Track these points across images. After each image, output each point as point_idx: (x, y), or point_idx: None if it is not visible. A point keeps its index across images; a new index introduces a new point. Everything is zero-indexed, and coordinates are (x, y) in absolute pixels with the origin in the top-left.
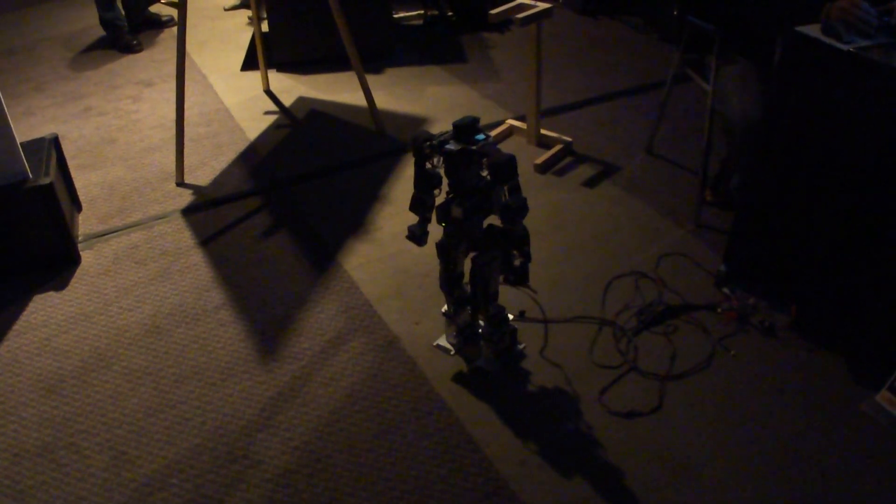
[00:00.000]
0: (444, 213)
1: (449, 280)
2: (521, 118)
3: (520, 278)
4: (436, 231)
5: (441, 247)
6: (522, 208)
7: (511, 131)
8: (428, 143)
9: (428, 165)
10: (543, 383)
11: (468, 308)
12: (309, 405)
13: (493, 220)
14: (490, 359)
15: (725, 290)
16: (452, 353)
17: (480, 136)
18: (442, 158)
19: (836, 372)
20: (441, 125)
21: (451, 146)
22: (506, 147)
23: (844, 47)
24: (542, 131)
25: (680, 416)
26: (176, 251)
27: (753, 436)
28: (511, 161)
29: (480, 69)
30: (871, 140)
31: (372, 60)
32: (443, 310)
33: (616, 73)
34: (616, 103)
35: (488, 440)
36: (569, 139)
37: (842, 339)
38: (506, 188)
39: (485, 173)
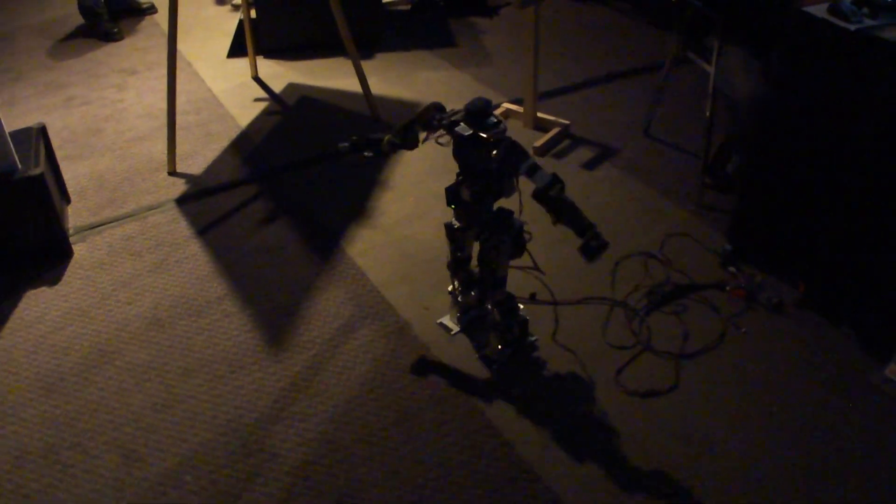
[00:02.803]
0: (453, 196)
1: (456, 262)
2: (516, 102)
3: (593, 252)
4: (436, 212)
5: (449, 228)
6: (555, 182)
7: (507, 115)
8: (438, 117)
9: (424, 134)
10: (558, 366)
11: (473, 291)
12: (323, 395)
13: (503, 203)
14: (497, 349)
15: (731, 268)
16: (454, 332)
17: (492, 121)
18: (446, 135)
19: (845, 346)
20: None
21: (462, 129)
22: None
23: (852, 27)
24: (539, 115)
25: (696, 394)
26: (172, 242)
27: (770, 411)
28: (514, 145)
29: (471, 54)
30: (879, 118)
31: (361, 46)
32: (449, 288)
33: (608, 57)
34: (610, 87)
35: (508, 425)
36: (566, 122)
37: (850, 314)
38: (523, 173)
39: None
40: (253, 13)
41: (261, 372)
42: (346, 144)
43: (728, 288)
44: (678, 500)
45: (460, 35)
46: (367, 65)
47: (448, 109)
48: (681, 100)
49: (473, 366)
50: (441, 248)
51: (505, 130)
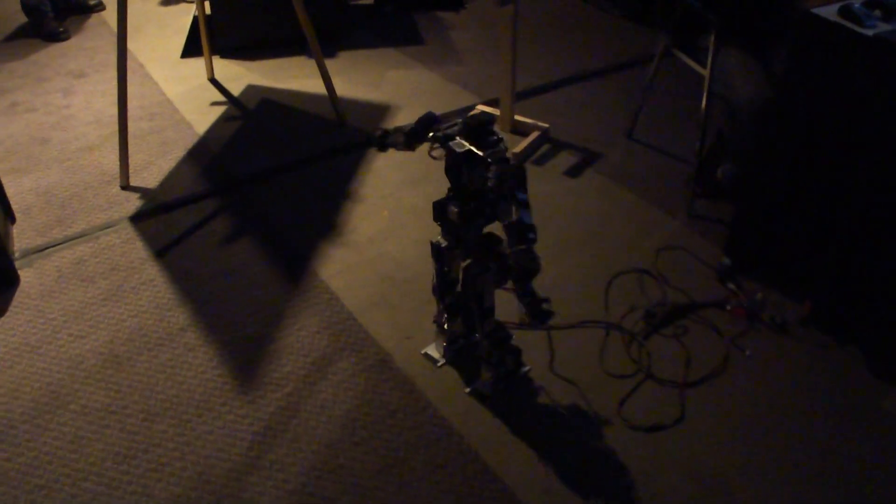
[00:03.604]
0: (440, 212)
1: (442, 285)
2: (489, 103)
3: (539, 316)
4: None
5: (436, 248)
6: (529, 230)
7: None
8: (432, 131)
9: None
10: (555, 398)
11: (460, 318)
12: (301, 440)
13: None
14: (488, 382)
15: (731, 285)
16: (440, 363)
17: (492, 138)
18: (440, 148)
19: (854, 368)
20: (406, 112)
21: (457, 145)
22: None
23: (867, 32)
24: (517, 117)
25: (704, 425)
26: (128, 265)
27: (782, 442)
28: (519, 172)
29: (439, 51)
30: (891, 124)
31: (323, 43)
32: (434, 317)
33: (583, 54)
34: (588, 85)
35: (506, 467)
36: (545, 125)
37: (858, 334)
38: (513, 205)
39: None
40: (207, 9)
41: (231, 414)
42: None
43: (729, 307)
44: None
45: (427, 31)
46: (330, 64)
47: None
48: (663, 100)
49: (464, 401)
50: (420, 267)
51: (505, 150)
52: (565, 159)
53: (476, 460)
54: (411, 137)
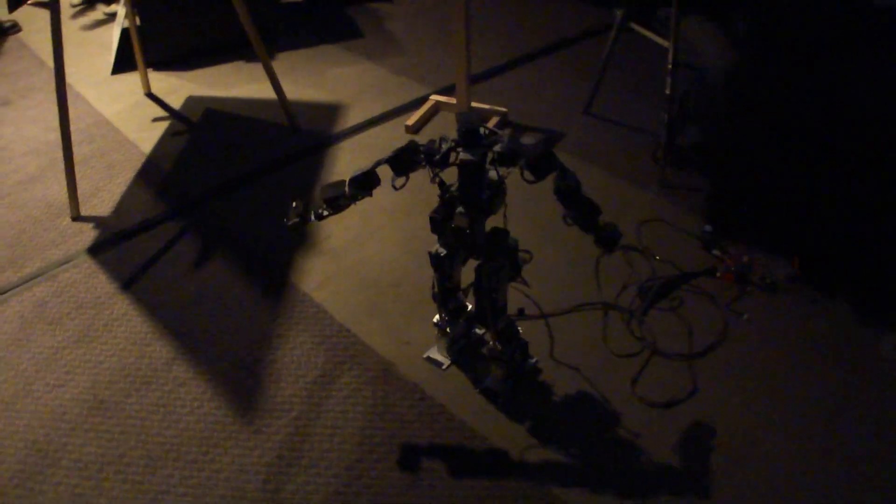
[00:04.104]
0: (441, 224)
1: (444, 292)
2: (443, 92)
3: (610, 242)
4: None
5: (436, 258)
6: (578, 185)
7: (438, 108)
8: (427, 158)
9: (403, 179)
10: (567, 387)
11: (461, 319)
12: (319, 464)
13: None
14: (498, 378)
15: (716, 251)
16: (445, 366)
17: (484, 133)
18: (438, 170)
19: (845, 318)
20: (359, 110)
21: (464, 155)
22: (437, 126)
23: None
24: (474, 104)
25: (718, 393)
26: (95, 302)
27: (794, 398)
28: (550, 155)
29: (380, 43)
30: (869, 78)
31: (250, 48)
32: (434, 320)
33: (526, 33)
34: (537, 64)
35: (535, 463)
36: (503, 109)
37: (846, 285)
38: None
39: (492, 173)
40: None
41: (239, 448)
42: (296, 220)
43: (719, 273)
44: None
45: (363, 24)
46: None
47: (422, 145)
48: (616, 73)
49: (476, 401)
50: (404, 269)
51: (504, 137)
52: (527, 142)
53: (504, 460)
54: (367, 176)
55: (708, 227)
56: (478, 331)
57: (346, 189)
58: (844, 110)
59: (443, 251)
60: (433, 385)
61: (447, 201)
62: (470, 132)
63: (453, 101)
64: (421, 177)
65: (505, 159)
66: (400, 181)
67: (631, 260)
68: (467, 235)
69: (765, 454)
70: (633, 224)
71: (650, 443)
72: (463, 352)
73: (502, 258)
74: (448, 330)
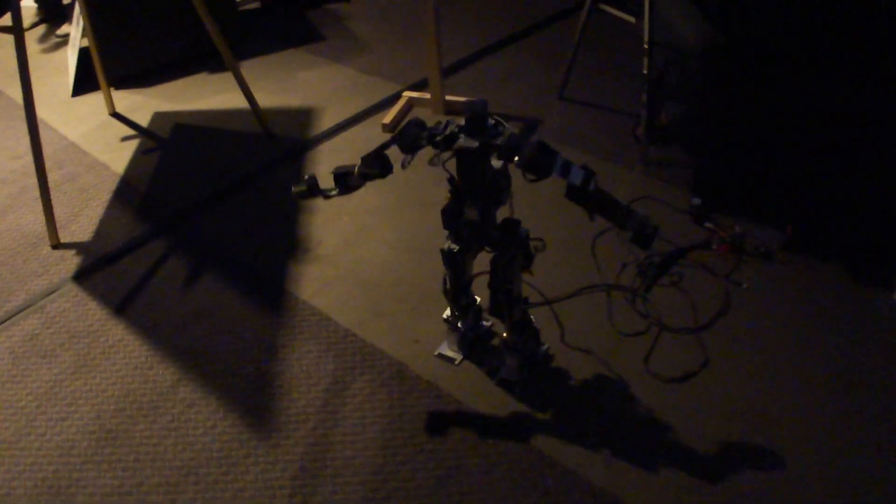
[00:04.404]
0: (452, 218)
1: (456, 289)
2: (415, 87)
3: (647, 241)
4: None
5: (449, 254)
6: (589, 177)
7: (411, 104)
8: (429, 137)
9: (409, 156)
10: (580, 371)
11: (471, 312)
12: (344, 473)
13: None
14: (514, 368)
15: (707, 224)
16: (458, 361)
17: (490, 122)
18: (444, 154)
19: (842, 281)
20: (332, 112)
21: (466, 142)
22: None
23: None
24: (448, 98)
25: (729, 363)
26: (88, 330)
27: (804, 362)
28: (541, 148)
29: (343, 44)
30: (853, 42)
31: (212, 58)
32: (444, 315)
33: (489, 20)
34: (504, 53)
35: (560, 449)
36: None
37: (838, 249)
38: (557, 173)
39: (497, 163)
40: (85, 42)
41: (260, 464)
42: (302, 188)
43: (714, 246)
44: (766, 478)
45: (323, 26)
46: (232, 76)
47: (429, 125)
48: (584, 56)
49: (493, 393)
50: (402, 267)
51: (513, 135)
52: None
53: (528, 449)
54: (376, 156)
55: (696, 200)
56: (485, 322)
57: (356, 168)
58: (824, 79)
59: (455, 247)
60: (448, 381)
61: (455, 193)
62: (475, 119)
63: (427, 95)
64: (405, 173)
65: (503, 154)
66: (408, 159)
67: (625, 239)
68: (480, 227)
69: (776, 421)
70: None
71: (669, 417)
72: (473, 345)
73: (515, 249)
74: (459, 325)
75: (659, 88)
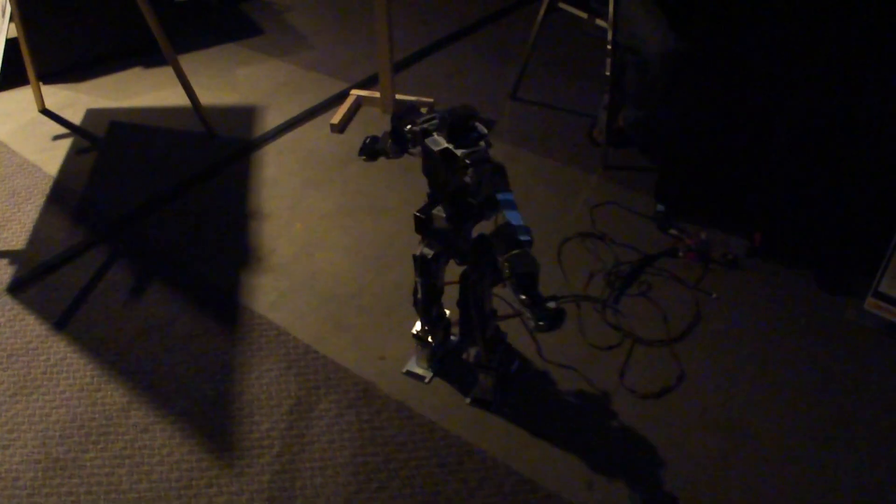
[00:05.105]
0: (425, 222)
1: (427, 298)
2: (362, 85)
3: (552, 320)
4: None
5: (422, 260)
6: (519, 232)
7: (360, 103)
8: (409, 126)
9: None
10: (556, 386)
11: (440, 328)
12: (316, 502)
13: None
14: (488, 387)
15: (672, 231)
16: (428, 379)
17: (473, 135)
18: (413, 150)
19: (809, 288)
20: (276, 111)
21: (433, 142)
22: (361, 122)
23: None
24: (398, 96)
25: (704, 375)
26: (27, 348)
27: (777, 370)
28: (498, 170)
29: (284, 38)
30: (820, 49)
31: (153, 52)
32: (414, 330)
33: (434, 17)
34: (451, 50)
35: (540, 471)
36: (429, 100)
37: (804, 256)
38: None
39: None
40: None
41: (223, 495)
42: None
43: (681, 254)
44: (747, 489)
45: (261, 19)
46: (169, 72)
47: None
48: (538, 54)
49: (468, 413)
50: (361, 277)
51: (486, 150)
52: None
53: (509, 472)
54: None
55: (660, 207)
56: (453, 337)
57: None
58: (790, 80)
59: (429, 252)
60: (419, 400)
61: (430, 197)
62: (455, 126)
63: (376, 94)
64: (358, 176)
65: (459, 165)
66: (395, 148)
67: (591, 247)
68: (450, 236)
69: (754, 433)
70: (585, 208)
71: (648, 433)
72: (443, 361)
73: (486, 265)
74: (430, 339)
75: (618, 91)
